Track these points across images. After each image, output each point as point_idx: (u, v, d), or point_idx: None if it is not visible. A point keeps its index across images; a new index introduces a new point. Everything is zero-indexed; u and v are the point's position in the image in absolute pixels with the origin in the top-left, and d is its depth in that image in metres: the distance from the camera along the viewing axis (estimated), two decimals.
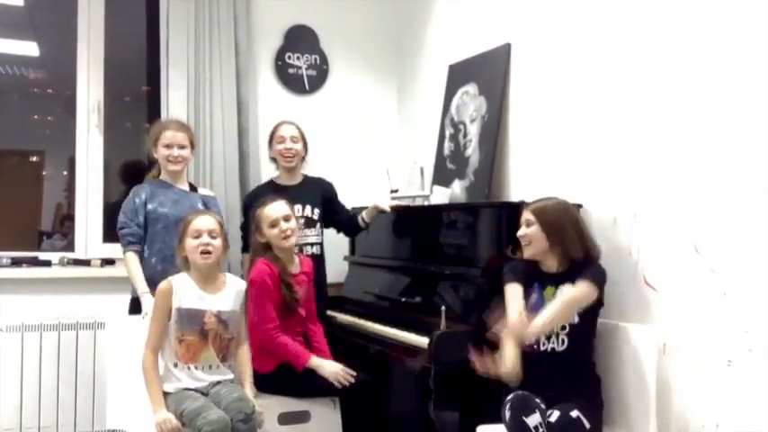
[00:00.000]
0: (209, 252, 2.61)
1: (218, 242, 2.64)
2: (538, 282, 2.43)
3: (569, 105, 2.85)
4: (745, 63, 2.12)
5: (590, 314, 2.35)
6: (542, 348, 2.36)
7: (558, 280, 2.38)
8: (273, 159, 3.44)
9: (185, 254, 2.64)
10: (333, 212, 3.42)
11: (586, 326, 2.37)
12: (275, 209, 2.85)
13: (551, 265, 2.43)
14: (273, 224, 2.82)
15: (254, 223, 2.92)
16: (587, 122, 2.76)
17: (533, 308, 2.39)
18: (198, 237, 2.60)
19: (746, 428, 2.10)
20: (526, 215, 2.44)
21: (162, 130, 3.08)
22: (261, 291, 2.77)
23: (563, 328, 2.35)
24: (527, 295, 2.41)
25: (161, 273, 2.93)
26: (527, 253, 2.43)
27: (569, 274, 2.36)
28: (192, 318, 2.58)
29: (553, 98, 2.94)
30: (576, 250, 2.38)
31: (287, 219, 2.84)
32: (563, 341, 2.35)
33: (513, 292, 2.41)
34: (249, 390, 2.64)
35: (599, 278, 2.33)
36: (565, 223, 2.40)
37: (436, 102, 3.70)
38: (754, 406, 2.08)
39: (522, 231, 2.43)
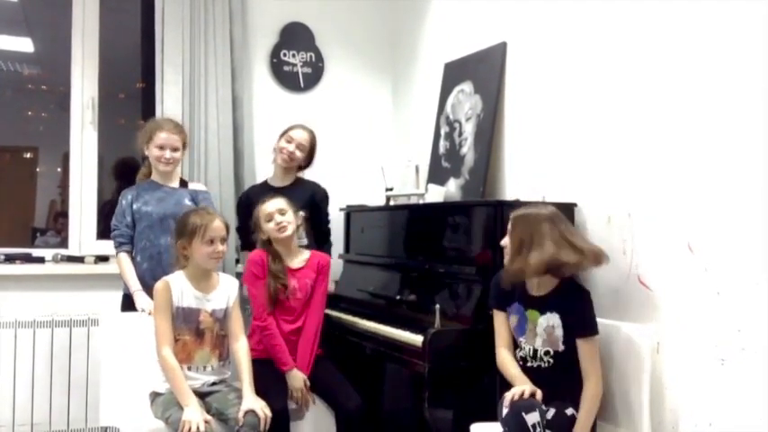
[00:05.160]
0: (219, 258, 2.64)
1: (225, 247, 2.67)
2: (519, 302, 2.38)
3: (564, 104, 2.86)
4: (739, 63, 2.13)
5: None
6: (528, 365, 2.34)
7: (542, 304, 2.33)
8: (275, 151, 3.44)
9: (188, 252, 2.59)
10: (310, 219, 3.37)
11: (571, 351, 2.30)
12: (270, 204, 2.94)
13: (540, 282, 2.34)
14: (269, 218, 2.90)
15: (254, 223, 2.99)
16: (582, 121, 2.76)
17: (517, 331, 2.38)
18: (212, 243, 2.59)
19: (739, 427, 2.11)
20: (509, 225, 2.38)
21: (157, 130, 3.05)
22: (253, 271, 2.91)
23: (546, 353, 2.32)
24: (508, 314, 2.41)
25: (148, 271, 2.96)
26: (505, 260, 2.37)
27: (552, 299, 2.31)
28: (188, 317, 2.57)
29: (548, 97, 2.95)
30: (540, 268, 2.25)
31: (282, 212, 2.91)
32: (549, 362, 2.32)
33: (497, 321, 2.44)
34: (249, 390, 2.56)
35: (593, 326, 2.28)
36: (537, 238, 2.27)
37: (431, 100, 3.70)
38: (747, 405, 2.09)
39: (503, 240, 2.39)
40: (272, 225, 2.90)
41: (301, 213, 3.06)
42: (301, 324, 2.91)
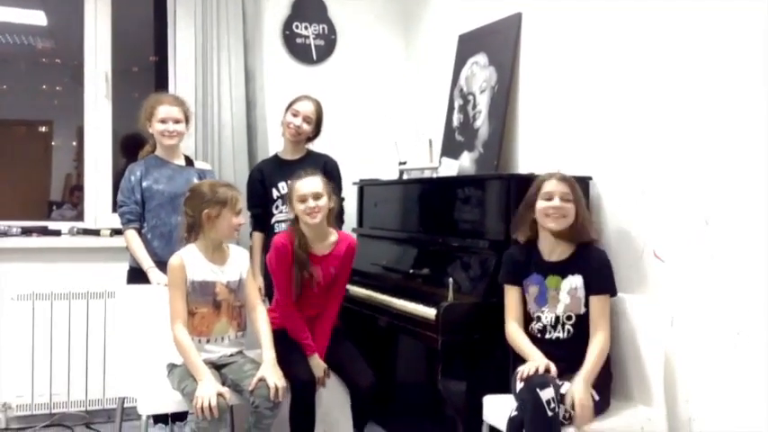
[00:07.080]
0: (239, 230, 2.71)
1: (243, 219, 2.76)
2: (537, 271, 2.40)
3: (580, 77, 2.82)
4: (754, 42, 2.09)
5: None
6: (547, 337, 2.37)
7: (564, 269, 2.37)
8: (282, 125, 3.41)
9: (212, 221, 2.58)
10: None
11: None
12: (306, 184, 2.76)
13: (554, 249, 2.40)
14: (302, 199, 2.74)
15: (287, 195, 2.89)
16: (598, 94, 2.73)
17: (538, 301, 2.40)
18: (238, 215, 2.64)
19: (754, 400, 2.11)
20: (561, 187, 2.36)
21: (156, 105, 3.05)
22: (276, 259, 2.77)
23: (569, 318, 2.35)
24: (526, 287, 2.42)
25: (158, 249, 2.98)
26: (558, 226, 2.35)
27: (573, 263, 2.36)
28: (204, 289, 2.59)
29: (564, 69, 2.91)
30: (587, 234, 2.38)
31: (316, 197, 2.73)
32: (568, 331, 2.35)
33: (509, 295, 2.44)
34: (269, 356, 2.55)
35: (612, 285, 2.35)
36: (583, 202, 2.42)
37: (445, 72, 3.67)
38: (762, 377, 2.09)
39: (557, 203, 2.34)
40: (302, 207, 2.73)
41: (336, 198, 2.90)
42: (320, 311, 2.86)
